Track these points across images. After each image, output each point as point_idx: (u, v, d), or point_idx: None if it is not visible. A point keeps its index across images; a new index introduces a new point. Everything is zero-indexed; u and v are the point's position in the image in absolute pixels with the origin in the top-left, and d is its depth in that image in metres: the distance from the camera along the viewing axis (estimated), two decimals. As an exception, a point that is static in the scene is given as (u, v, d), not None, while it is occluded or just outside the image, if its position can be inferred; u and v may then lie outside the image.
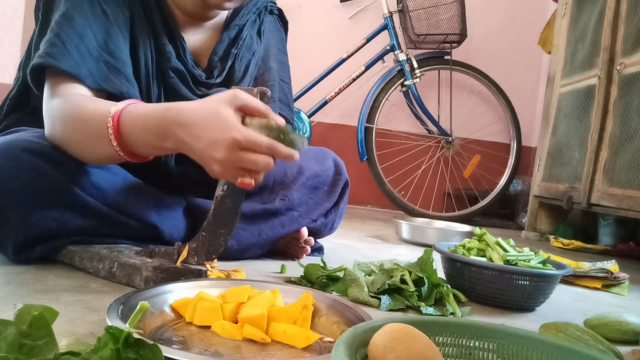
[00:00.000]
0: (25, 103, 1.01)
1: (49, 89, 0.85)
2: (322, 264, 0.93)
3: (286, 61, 1.20)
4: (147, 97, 0.95)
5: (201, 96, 0.99)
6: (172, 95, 0.97)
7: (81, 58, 0.83)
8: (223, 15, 1.07)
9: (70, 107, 0.80)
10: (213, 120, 0.68)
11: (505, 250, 0.94)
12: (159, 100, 0.96)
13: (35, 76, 0.85)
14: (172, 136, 0.72)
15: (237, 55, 1.05)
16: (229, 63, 1.04)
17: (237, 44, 1.05)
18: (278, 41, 1.18)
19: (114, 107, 0.76)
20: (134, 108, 0.76)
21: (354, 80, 2.52)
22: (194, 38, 1.03)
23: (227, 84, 1.04)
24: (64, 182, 0.81)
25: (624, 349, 0.71)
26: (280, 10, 1.21)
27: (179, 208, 0.99)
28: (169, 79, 0.96)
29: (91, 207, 0.84)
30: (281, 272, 0.97)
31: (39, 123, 0.96)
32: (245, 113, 0.71)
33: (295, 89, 2.46)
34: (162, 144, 0.74)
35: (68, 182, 0.81)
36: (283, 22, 1.22)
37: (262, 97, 0.79)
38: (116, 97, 0.85)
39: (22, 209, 0.78)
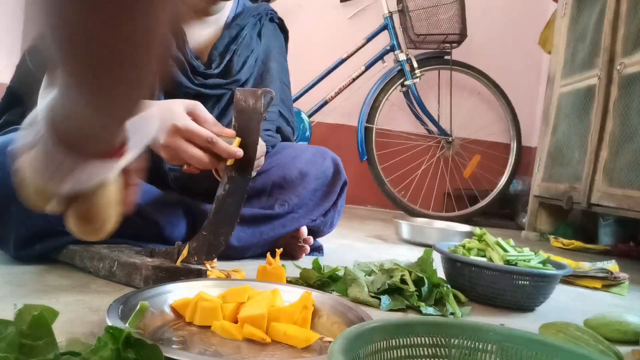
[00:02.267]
0: (25, 96, 1.02)
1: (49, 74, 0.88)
2: (318, 268, 0.92)
3: (286, 66, 1.25)
4: None
5: (199, 85, 1.03)
6: (172, 83, 1.00)
7: None
8: (225, 16, 1.12)
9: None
10: (164, 113, 0.77)
11: (505, 250, 0.94)
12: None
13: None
14: None
15: (235, 51, 1.09)
16: (228, 57, 1.08)
17: (236, 41, 1.09)
18: (279, 46, 1.23)
19: None
20: None
21: (354, 80, 2.52)
22: (198, 34, 1.07)
23: (225, 75, 1.08)
24: None
25: (624, 349, 0.70)
26: (281, 19, 1.25)
27: (179, 207, 0.99)
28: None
29: None
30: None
31: None
32: (194, 120, 0.79)
33: (295, 89, 2.47)
34: None
35: None
36: (284, 31, 1.27)
37: (267, 97, 0.80)
38: None
39: (23, 204, 0.78)
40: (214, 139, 0.77)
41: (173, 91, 1.01)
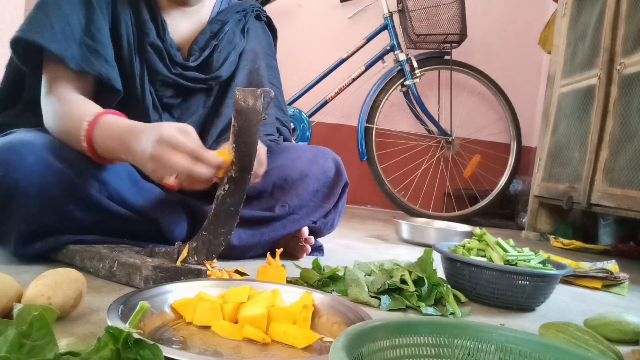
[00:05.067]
0: (17, 96, 1.02)
1: (47, 81, 0.91)
2: (318, 268, 0.92)
3: (275, 65, 1.22)
4: (130, 72, 0.98)
5: (176, 75, 1.02)
6: (150, 70, 1.00)
7: (66, 41, 0.88)
8: (208, 10, 1.10)
9: (62, 107, 0.88)
10: (154, 130, 0.78)
11: (505, 250, 0.94)
12: (141, 75, 1.00)
13: (20, 49, 0.90)
14: (126, 147, 0.80)
15: (216, 46, 1.08)
16: (207, 52, 1.06)
17: (218, 37, 1.08)
18: (266, 45, 1.20)
19: (89, 116, 0.83)
20: (109, 119, 0.83)
21: (354, 80, 2.52)
22: (180, 26, 1.05)
23: (205, 70, 1.07)
24: (67, 175, 0.82)
25: (624, 349, 0.70)
26: (268, 17, 1.23)
27: (179, 207, 0.99)
28: (146, 54, 0.99)
29: (93, 199, 0.85)
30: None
31: (37, 118, 0.96)
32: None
33: (295, 89, 2.47)
34: (119, 154, 0.82)
35: (71, 174, 0.82)
36: (272, 29, 1.24)
37: (266, 97, 0.80)
38: (97, 78, 0.92)
39: (24, 201, 0.79)
40: (199, 152, 0.76)
41: (151, 78, 1.01)
